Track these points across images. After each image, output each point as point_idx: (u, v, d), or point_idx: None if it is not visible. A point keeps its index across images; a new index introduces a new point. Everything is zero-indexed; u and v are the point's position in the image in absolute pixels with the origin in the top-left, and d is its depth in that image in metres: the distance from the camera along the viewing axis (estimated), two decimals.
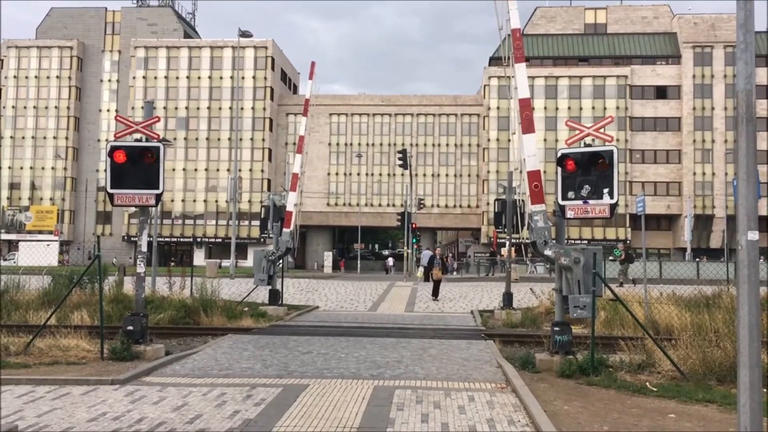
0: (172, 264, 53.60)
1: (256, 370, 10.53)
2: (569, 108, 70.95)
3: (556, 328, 10.86)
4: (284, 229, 19.93)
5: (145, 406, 8.10)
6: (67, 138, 77.94)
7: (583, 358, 10.39)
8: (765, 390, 7.86)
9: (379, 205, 75.05)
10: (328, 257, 66.14)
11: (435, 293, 26.01)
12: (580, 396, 8.81)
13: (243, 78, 73.15)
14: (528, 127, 11.34)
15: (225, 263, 52.12)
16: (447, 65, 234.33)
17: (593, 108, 70.48)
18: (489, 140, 72.32)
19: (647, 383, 9.36)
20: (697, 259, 48.11)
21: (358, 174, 75.71)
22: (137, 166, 11.42)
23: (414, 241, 51.34)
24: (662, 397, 8.69)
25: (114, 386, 9.23)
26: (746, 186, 4.57)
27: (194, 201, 75.21)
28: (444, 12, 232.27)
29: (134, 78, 76.34)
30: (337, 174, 75.66)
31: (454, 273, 56.36)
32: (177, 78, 76.12)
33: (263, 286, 19.91)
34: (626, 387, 9.22)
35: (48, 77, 78.43)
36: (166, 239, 71.20)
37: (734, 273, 4.66)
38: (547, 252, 10.77)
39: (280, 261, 20.18)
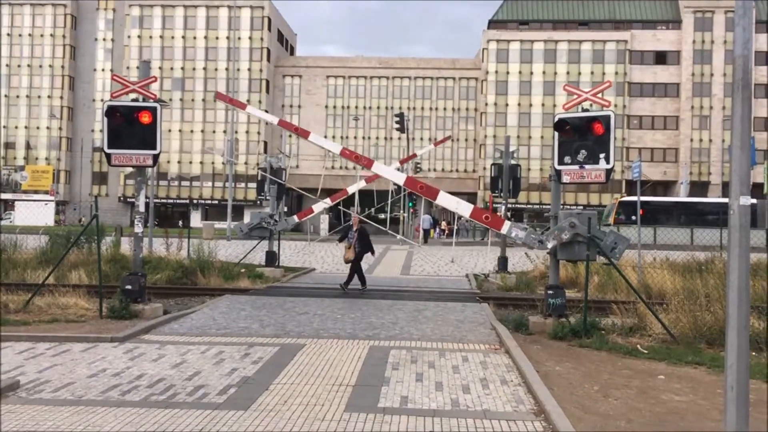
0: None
1: (254, 329, 10.67)
2: (568, 73, 70.48)
3: (550, 291, 11.01)
4: (295, 217, 21.19)
5: (145, 363, 8.23)
6: (61, 97, 77.21)
7: (575, 320, 10.55)
8: (752, 353, 8.05)
9: None
10: (324, 220, 66.15)
11: (350, 279, 16.33)
12: (572, 357, 8.97)
13: (239, 39, 72.24)
14: (432, 193, 11.97)
15: (223, 225, 52.19)
16: (443, 27, 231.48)
17: (592, 73, 70.02)
18: (487, 104, 71.93)
19: (638, 346, 9.52)
20: (692, 226, 48.24)
21: (355, 137, 75.36)
22: (134, 127, 11.44)
23: (410, 204, 51.46)
24: (653, 359, 8.85)
25: (113, 344, 9.37)
26: (740, 151, 4.61)
27: (190, 162, 74.91)
28: None
29: (129, 37, 75.36)
30: (333, 137, 75.19)
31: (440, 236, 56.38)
32: (172, 38, 75.16)
33: (239, 238, 21.32)
34: (618, 349, 9.38)
35: (42, 35, 77.31)
36: (163, 200, 71.07)
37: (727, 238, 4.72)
38: (549, 245, 10.83)
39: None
